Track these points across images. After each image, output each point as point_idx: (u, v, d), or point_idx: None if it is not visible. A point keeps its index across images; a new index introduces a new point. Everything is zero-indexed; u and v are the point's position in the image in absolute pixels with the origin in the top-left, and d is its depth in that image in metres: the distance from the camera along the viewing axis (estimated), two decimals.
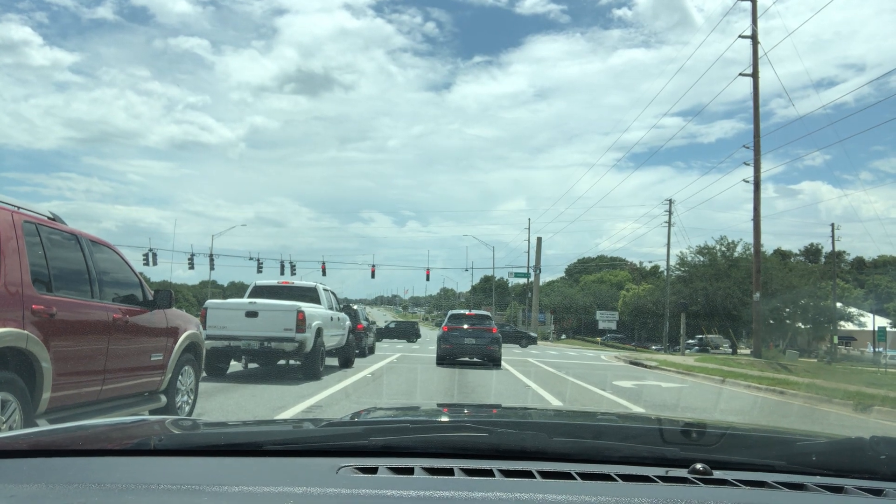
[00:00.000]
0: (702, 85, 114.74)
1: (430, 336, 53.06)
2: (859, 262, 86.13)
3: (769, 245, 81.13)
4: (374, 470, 1.37)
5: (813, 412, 12.26)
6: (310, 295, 15.58)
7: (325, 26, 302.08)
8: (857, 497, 1.35)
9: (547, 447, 1.57)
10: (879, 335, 45.41)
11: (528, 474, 1.38)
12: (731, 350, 54.30)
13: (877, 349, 49.68)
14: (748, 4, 29.89)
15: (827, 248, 70.44)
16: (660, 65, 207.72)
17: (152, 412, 6.89)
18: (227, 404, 9.53)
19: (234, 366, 14.74)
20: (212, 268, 58.49)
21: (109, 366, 6.00)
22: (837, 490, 1.38)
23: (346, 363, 17.23)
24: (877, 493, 1.37)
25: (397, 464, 1.42)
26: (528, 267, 66.45)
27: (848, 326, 60.49)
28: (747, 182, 30.38)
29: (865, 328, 57.74)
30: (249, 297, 15.21)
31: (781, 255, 73.13)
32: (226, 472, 1.40)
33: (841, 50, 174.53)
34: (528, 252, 68.79)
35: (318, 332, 13.69)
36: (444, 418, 2.22)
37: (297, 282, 18.19)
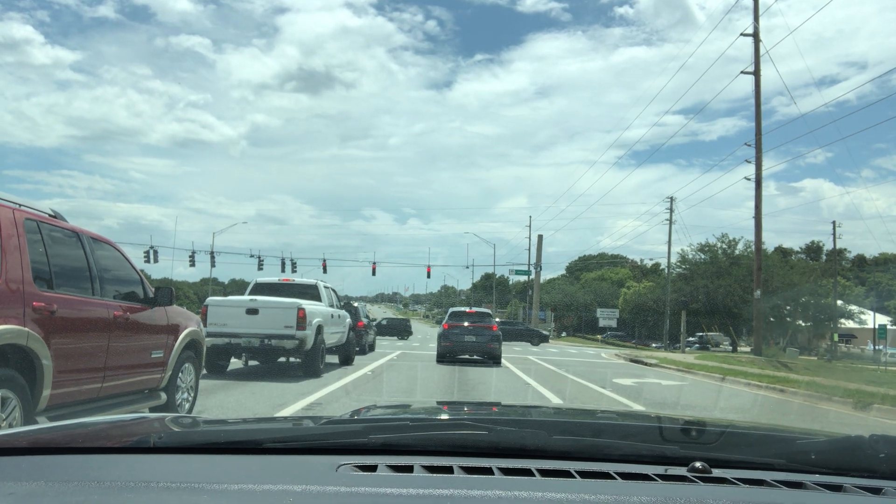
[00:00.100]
0: (703, 83, 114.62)
1: (430, 333, 53.05)
2: (860, 260, 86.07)
3: (770, 243, 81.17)
4: (373, 468, 1.37)
5: (813, 410, 12.26)
6: (310, 292, 15.58)
7: (327, 24, 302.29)
8: (856, 495, 1.35)
9: (546, 445, 1.57)
10: (880, 333, 45.36)
11: (527, 472, 1.38)
12: (731, 348, 54.33)
13: (877, 347, 49.65)
14: (750, 2, 29.82)
15: (828, 246, 70.47)
16: (661, 62, 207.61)
17: (152, 409, 6.89)
18: (227, 402, 9.54)
19: (235, 363, 14.75)
20: (213, 265, 58.59)
21: (110, 363, 6.01)
22: (836, 488, 1.38)
23: (346, 360, 17.24)
24: (876, 491, 1.37)
25: (397, 462, 1.42)
26: (529, 264, 66.44)
27: (848, 324, 60.47)
28: (749, 180, 30.36)
29: (866, 326, 57.69)
30: (250, 294, 15.21)
31: (783, 252, 73.08)
32: (225, 469, 1.40)
33: (843, 48, 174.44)
34: (529, 249, 68.82)
35: (319, 329, 13.70)
36: (444, 416, 2.22)
37: (298, 279, 18.21)
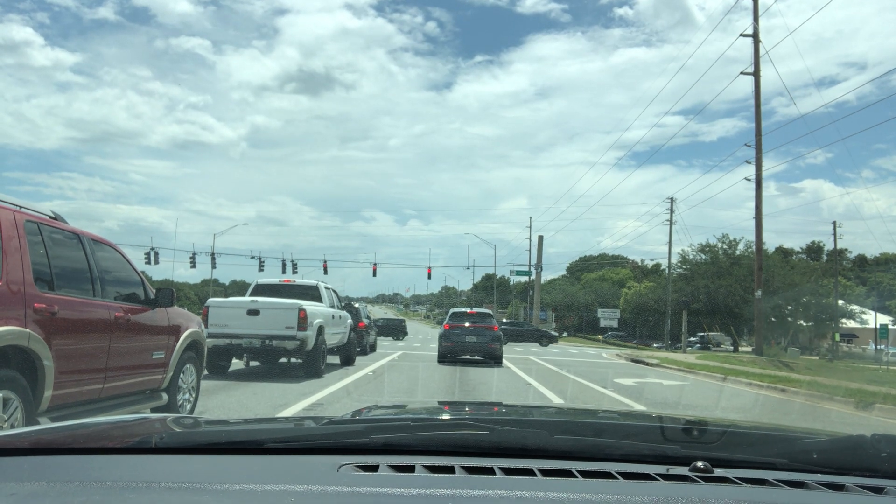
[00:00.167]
0: (703, 83, 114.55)
1: (431, 334, 53.04)
2: (861, 260, 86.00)
3: (771, 243, 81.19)
4: (375, 468, 1.37)
5: (814, 410, 12.25)
6: (311, 293, 15.59)
7: (327, 26, 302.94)
8: (858, 495, 1.35)
9: (548, 445, 1.56)
10: (881, 333, 45.36)
11: (529, 472, 1.38)
12: (732, 348, 54.28)
13: (878, 347, 49.64)
14: (749, 3, 29.80)
15: (829, 246, 70.41)
16: (661, 63, 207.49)
17: (154, 410, 6.89)
18: (228, 402, 9.54)
19: (236, 364, 14.76)
20: (213, 266, 58.55)
21: (111, 364, 6.01)
22: (838, 488, 1.38)
23: (347, 361, 17.24)
24: (878, 490, 1.37)
25: (398, 462, 1.42)
26: (530, 265, 66.40)
27: (850, 324, 60.44)
28: (749, 180, 30.32)
29: (867, 326, 57.69)
30: (251, 295, 15.21)
31: (783, 252, 73.03)
32: (227, 470, 1.40)
33: (842, 48, 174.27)
34: (530, 250, 68.76)
35: (320, 330, 13.70)
36: (445, 416, 2.22)
37: (299, 280, 18.21)
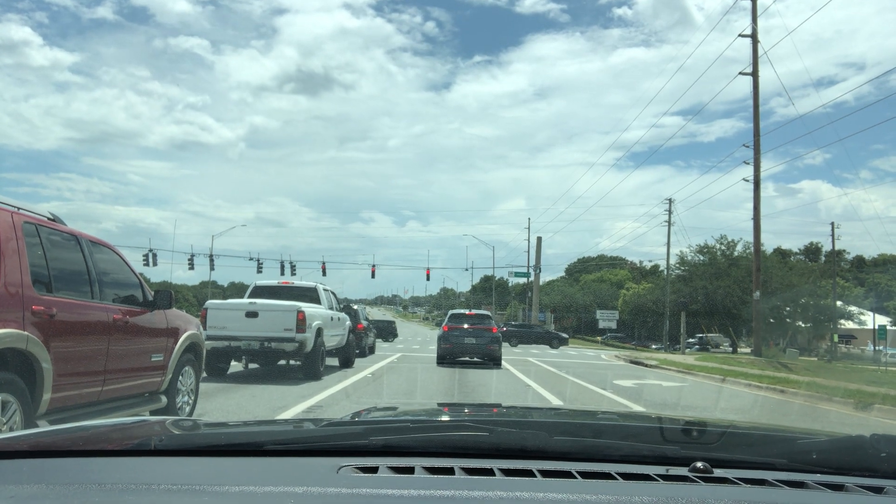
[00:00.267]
0: (702, 84, 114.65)
1: (429, 336, 53.02)
2: (859, 261, 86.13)
3: (769, 244, 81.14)
4: (374, 469, 1.37)
5: (813, 410, 12.26)
6: (310, 295, 15.58)
7: (325, 26, 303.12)
8: (858, 495, 1.35)
9: (547, 446, 1.57)
10: (879, 333, 45.35)
11: (528, 473, 1.38)
12: (731, 349, 54.32)
13: (877, 347, 49.67)
14: (748, 3, 29.90)
15: (827, 247, 70.48)
16: (660, 64, 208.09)
17: (153, 413, 6.88)
18: (227, 404, 9.53)
19: (235, 366, 14.74)
20: (212, 268, 58.52)
21: (110, 366, 6.00)
22: (838, 488, 1.38)
23: (346, 363, 17.23)
24: (877, 490, 1.37)
25: (398, 463, 1.42)
26: (528, 266, 66.41)
27: (848, 325, 60.47)
28: (747, 181, 30.39)
29: (865, 327, 57.70)
30: (249, 297, 15.21)
31: (781, 253, 73.12)
32: (226, 472, 1.40)
33: (841, 48, 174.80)
34: (528, 251, 68.79)
35: (319, 332, 13.69)
36: (445, 417, 2.22)
37: (298, 282, 18.20)
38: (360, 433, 1.69)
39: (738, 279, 50.40)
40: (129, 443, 1.59)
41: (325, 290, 16.43)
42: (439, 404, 7.11)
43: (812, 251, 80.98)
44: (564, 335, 51.38)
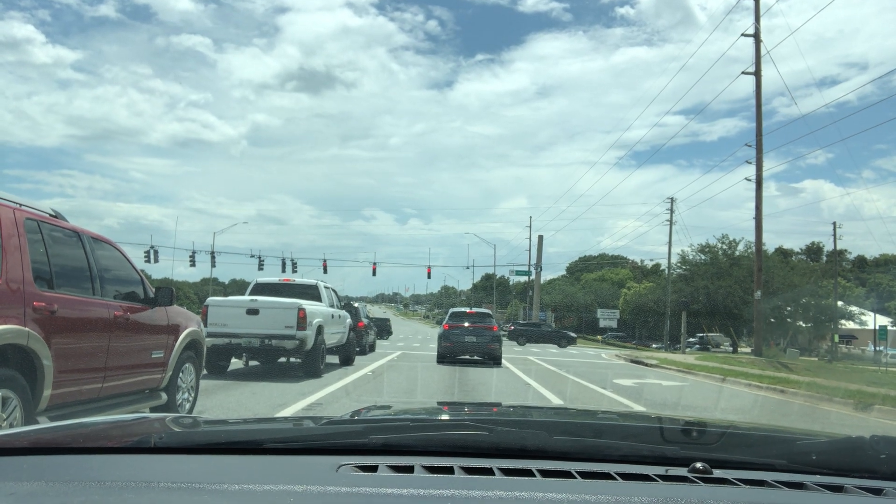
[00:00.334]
0: (704, 83, 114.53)
1: (430, 334, 53.02)
2: (861, 261, 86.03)
3: (771, 243, 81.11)
4: (374, 468, 1.37)
5: (813, 411, 12.25)
6: (311, 293, 15.59)
7: (327, 24, 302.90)
8: (857, 496, 1.35)
9: (547, 446, 1.57)
10: (880, 334, 45.36)
11: (528, 473, 1.38)
12: (731, 349, 54.29)
13: (878, 348, 49.64)
14: (751, 3, 29.83)
15: (828, 247, 70.44)
16: (662, 63, 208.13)
17: (153, 410, 6.89)
18: (227, 402, 9.54)
19: (235, 363, 14.75)
20: (213, 265, 58.58)
21: (110, 363, 6.01)
22: (837, 489, 1.38)
23: (346, 361, 17.24)
24: (877, 492, 1.37)
25: (397, 462, 1.42)
26: (530, 265, 66.39)
27: (849, 325, 60.43)
28: (749, 180, 30.35)
29: (866, 327, 57.68)
30: (250, 294, 15.21)
31: (783, 253, 73.02)
32: (226, 470, 1.40)
33: (843, 48, 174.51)
34: (530, 250, 68.77)
35: (319, 329, 13.70)
36: (445, 416, 2.22)
37: (299, 279, 18.22)
38: (359, 432, 1.69)
39: (739, 279, 50.36)
40: (129, 440, 1.60)
41: (325, 287, 16.44)
42: (439, 403, 7.12)
43: (814, 251, 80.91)
44: (573, 334, 51.31)
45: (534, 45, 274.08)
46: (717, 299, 51.73)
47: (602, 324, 63.32)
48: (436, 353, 20.60)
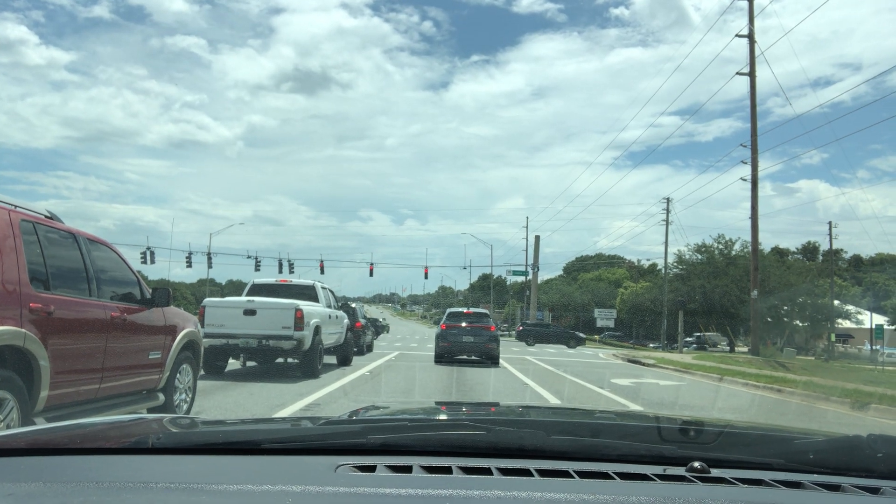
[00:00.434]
0: (699, 84, 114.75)
1: (427, 334, 53.01)
2: (857, 260, 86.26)
3: (767, 243, 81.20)
4: (372, 468, 1.37)
5: (810, 410, 12.28)
6: (308, 293, 15.58)
7: (323, 25, 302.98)
8: (855, 495, 1.36)
9: (545, 445, 1.57)
10: (877, 333, 45.44)
11: (526, 472, 1.38)
12: (728, 348, 54.34)
13: (874, 347, 49.72)
14: (745, 3, 29.86)
15: (824, 246, 70.51)
16: (657, 64, 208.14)
17: (150, 410, 6.88)
18: (225, 402, 9.53)
19: (233, 364, 14.73)
20: (210, 266, 58.41)
21: (107, 364, 6.00)
22: (835, 488, 1.38)
23: (344, 361, 17.23)
24: (874, 491, 1.37)
25: (395, 462, 1.42)
26: (527, 265, 66.49)
27: (845, 324, 60.58)
28: (745, 180, 30.39)
29: (863, 326, 57.81)
30: (247, 295, 15.19)
31: (779, 253, 73.18)
32: (224, 470, 1.39)
33: (838, 49, 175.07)
34: (527, 250, 68.82)
35: (317, 330, 13.69)
36: (442, 416, 2.22)
37: (296, 280, 18.20)
38: (357, 432, 1.69)
39: (735, 278, 50.43)
40: (127, 441, 1.59)
41: (323, 288, 16.43)
42: (437, 403, 7.12)
43: (810, 250, 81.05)
44: (581, 335, 51.13)
45: (529, 45, 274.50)
46: (714, 299, 51.79)
47: (599, 323, 63.33)
48: (433, 353, 20.60)
